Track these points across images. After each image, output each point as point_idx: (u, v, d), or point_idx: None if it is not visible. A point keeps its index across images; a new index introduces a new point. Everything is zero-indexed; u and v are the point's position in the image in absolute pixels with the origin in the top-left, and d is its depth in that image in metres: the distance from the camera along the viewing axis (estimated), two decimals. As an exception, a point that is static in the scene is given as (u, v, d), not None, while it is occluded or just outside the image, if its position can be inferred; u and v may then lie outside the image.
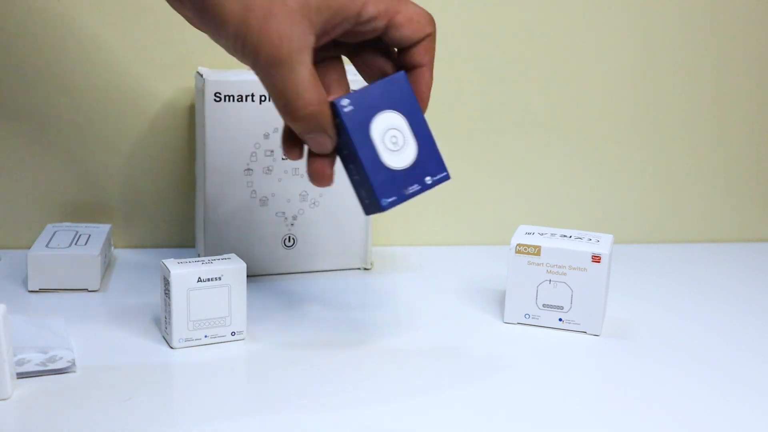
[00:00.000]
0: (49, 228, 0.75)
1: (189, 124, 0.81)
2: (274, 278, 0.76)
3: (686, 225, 0.92)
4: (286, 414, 0.52)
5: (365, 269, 0.79)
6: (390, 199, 0.52)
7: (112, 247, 0.79)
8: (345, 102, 0.51)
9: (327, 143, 0.51)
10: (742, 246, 0.91)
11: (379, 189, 0.51)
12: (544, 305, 0.66)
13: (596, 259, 0.64)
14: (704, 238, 0.92)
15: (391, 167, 0.52)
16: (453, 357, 0.61)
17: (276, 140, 0.73)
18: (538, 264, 0.65)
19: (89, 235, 0.73)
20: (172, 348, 0.60)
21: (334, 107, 0.50)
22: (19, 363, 0.53)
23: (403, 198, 0.52)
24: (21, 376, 0.53)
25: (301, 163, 0.75)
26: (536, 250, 0.65)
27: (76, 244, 0.71)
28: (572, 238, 0.66)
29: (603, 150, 0.89)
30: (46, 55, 0.77)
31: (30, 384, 0.53)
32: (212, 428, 0.50)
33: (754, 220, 0.94)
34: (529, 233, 0.67)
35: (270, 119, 0.73)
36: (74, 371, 0.55)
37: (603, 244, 0.65)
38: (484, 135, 0.87)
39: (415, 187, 0.53)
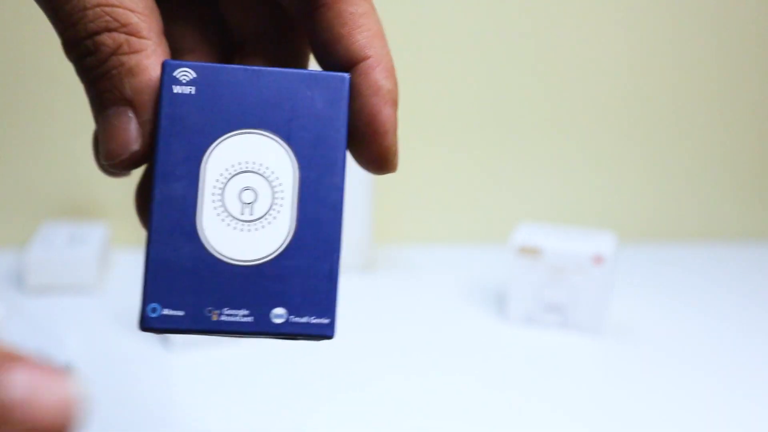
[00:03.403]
0: (45, 226, 0.75)
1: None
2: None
3: (690, 221, 0.92)
4: (285, 414, 0.51)
5: (365, 268, 0.78)
6: (164, 312, 0.24)
7: (110, 246, 0.78)
8: (184, 73, 0.25)
9: (125, 131, 0.25)
10: (746, 244, 0.91)
11: (153, 283, 0.24)
12: (545, 306, 0.65)
13: (598, 259, 0.63)
14: (708, 235, 0.92)
15: (214, 251, 0.25)
16: (454, 358, 0.61)
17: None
18: (540, 264, 0.65)
19: (86, 234, 0.73)
20: (170, 348, 0.59)
21: (162, 73, 0.25)
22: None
23: (200, 326, 0.24)
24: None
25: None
26: (538, 251, 0.65)
27: (72, 242, 0.71)
28: (574, 236, 0.66)
29: (605, 146, 0.88)
30: (44, 52, 0.76)
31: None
32: (211, 429, 0.49)
33: (758, 216, 0.93)
34: (530, 231, 0.66)
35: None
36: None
37: (605, 244, 0.64)
38: (485, 131, 0.86)
39: (240, 317, 0.24)
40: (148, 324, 0.24)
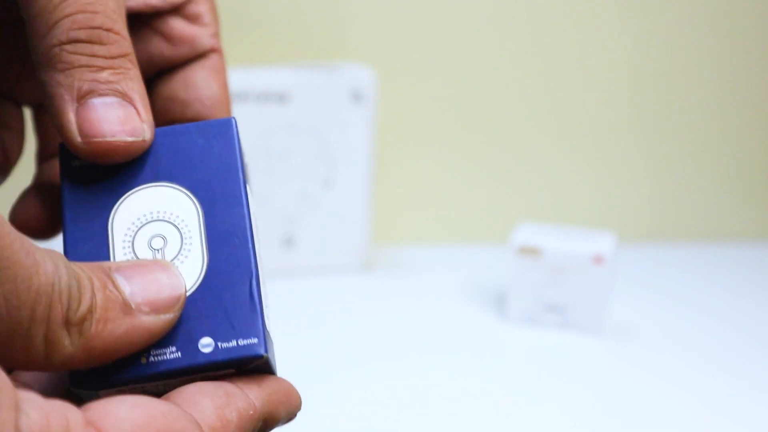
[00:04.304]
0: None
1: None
2: (273, 278, 0.75)
3: (690, 221, 0.92)
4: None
5: (365, 269, 0.78)
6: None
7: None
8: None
9: (135, 119, 0.26)
10: (746, 244, 0.91)
11: None
12: (545, 306, 0.65)
13: (598, 259, 0.63)
14: (708, 235, 0.92)
15: None
16: (454, 358, 0.61)
17: (275, 140, 0.73)
18: (540, 264, 0.65)
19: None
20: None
21: (60, 152, 0.26)
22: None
23: (131, 374, 0.23)
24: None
25: (301, 162, 0.74)
26: (538, 251, 0.65)
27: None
28: (574, 236, 0.66)
29: (605, 146, 0.88)
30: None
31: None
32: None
33: (758, 216, 0.93)
34: (530, 232, 0.66)
35: (268, 118, 0.72)
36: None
37: (605, 244, 0.64)
38: (485, 131, 0.86)
39: (169, 355, 0.24)
40: (78, 384, 0.23)
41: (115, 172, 0.26)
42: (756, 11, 0.87)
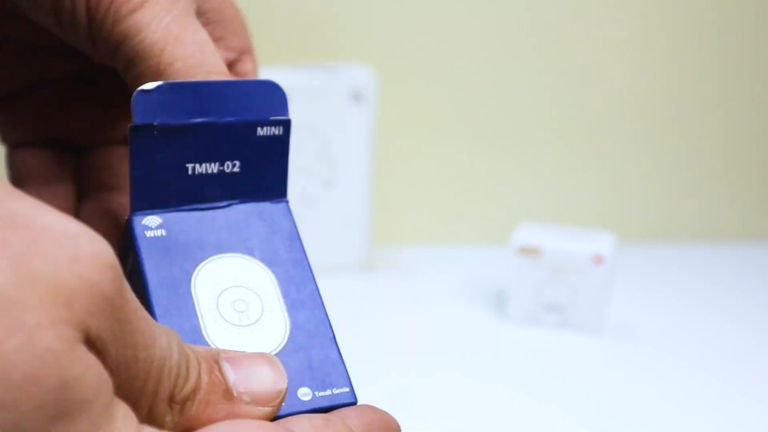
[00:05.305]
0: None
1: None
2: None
3: (690, 222, 0.92)
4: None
5: (365, 269, 0.78)
6: None
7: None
8: (151, 220, 0.28)
9: None
10: (746, 244, 0.91)
11: None
12: (545, 306, 0.65)
13: (598, 259, 0.63)
14: (708, 235, 0.92)
15: None
16: (454, 358, 0.61)
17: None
18: (540, 264, 0.65)
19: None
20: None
21: (132, 226, 0.28)
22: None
23: None
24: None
25: (301, 162, 0.74)
26: (538, 251, 0.65)
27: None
28: (574, 236, 0.66)
29: (604, 147, 0.88)
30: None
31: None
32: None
33: (758, 216, 0.93)
34: (530, 231, 0.66)
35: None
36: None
37: (605, 244, 0.64)
38: (485, 131, 0.86)
39: None
40: None
41: (189, 241, 0.28)
42: (756, 11, 0.87)
